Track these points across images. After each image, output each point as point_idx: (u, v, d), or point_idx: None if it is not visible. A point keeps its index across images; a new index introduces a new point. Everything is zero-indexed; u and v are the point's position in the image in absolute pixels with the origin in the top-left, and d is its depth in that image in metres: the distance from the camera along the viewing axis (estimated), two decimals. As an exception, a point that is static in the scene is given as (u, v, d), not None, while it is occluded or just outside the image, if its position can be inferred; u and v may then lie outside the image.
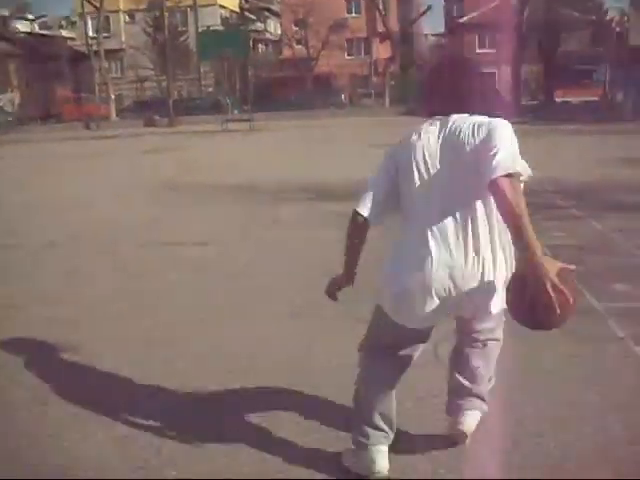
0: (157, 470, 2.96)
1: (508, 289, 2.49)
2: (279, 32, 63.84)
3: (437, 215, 2.55)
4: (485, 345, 2.95)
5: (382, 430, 2.79)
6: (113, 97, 44.67)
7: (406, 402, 3.42)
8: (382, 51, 54.42)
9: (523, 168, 2.50)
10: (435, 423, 3.20)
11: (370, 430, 2.78)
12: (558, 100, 44.46)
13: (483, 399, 3.00)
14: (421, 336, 2.76)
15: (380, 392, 2.81)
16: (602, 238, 7.04)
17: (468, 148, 2.51)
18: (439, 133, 2.64)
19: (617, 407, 3.38)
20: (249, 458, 3.01)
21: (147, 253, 7.11)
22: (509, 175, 2.37)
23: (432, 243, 2.53)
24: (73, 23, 69.08)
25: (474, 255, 2.52)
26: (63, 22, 79.66)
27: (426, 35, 71.57)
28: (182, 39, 53.97)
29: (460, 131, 2.56)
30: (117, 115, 44.69)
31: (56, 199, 11.44)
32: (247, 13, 67.82)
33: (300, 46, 52.92)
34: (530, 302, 2.35)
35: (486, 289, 2.55)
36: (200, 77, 52.77)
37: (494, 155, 2.40)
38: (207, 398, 3.64)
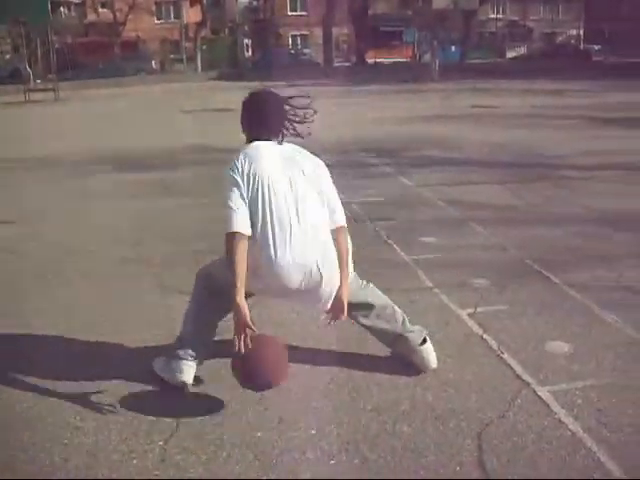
0: None
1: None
2: (82, -6, 60.75)
3: (286, 221, 2.99)
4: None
5: (196, 350, 3.21)
6: None
7: (223, 367, 3.39)
8: (193, 15, 53.18)
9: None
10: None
11: (187, 347, 3.21)
12: (370, 61, 45.68)
13: (412, 331, 3.38)
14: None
15: (203, 320, 3.27)
16: (410, 193, 7.30)
17: (310, 175, 3.13)
18: (276, 156, 3.15)
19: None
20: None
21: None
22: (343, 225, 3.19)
23: (279, 243, 2.96)
24: None
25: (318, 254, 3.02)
26: None
27: (237, -2, 70.80)
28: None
29: (301, 157, 3.21)
30: None
31: None
32: (45, -25, 63.94)
33: (105, 10, 50.62)
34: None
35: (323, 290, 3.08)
36: (-5, 43, 49.21)
37: (335, 198, 3.20)
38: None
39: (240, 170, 3.08)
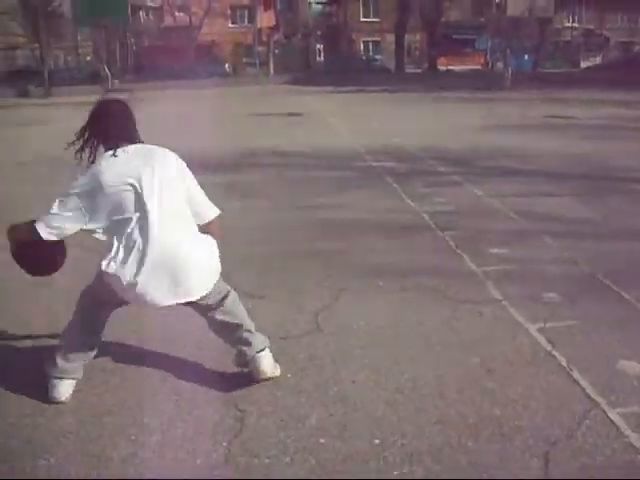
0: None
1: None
2: (160, -1, 62.05)
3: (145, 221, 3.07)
4: (216, 309, 3.32)
5: (70, 366, 3.26)
6: (-18, 66, 42.24)
7: (288, 372, 3.40)
8: (266, 19, 53.72)
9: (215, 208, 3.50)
10: (318, 387, 3.18)
11: (62, 363, 3.26)
12: (441, 68, 45.35)
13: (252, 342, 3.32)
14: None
15: (85, 336, 3.31)
16: (480, 203, 7.20)
17: (172, 171, 3.25)
18: (135, 157, 3.19)
19: (495, 369, 3.44)
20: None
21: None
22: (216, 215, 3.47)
23: (140, 240, 3.06)
24: None
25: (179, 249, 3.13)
26: None
27: (310, 3, 71.19)
28: (55, 4, 51.43)
29: (158, 156, 3.26)
30: (-14, 85, 42.23)
31: None
32: (126, -21, 65.54)
33: (182, 14, 51.60)
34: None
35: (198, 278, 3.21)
36: (77, 45, 50.66)
37: (199, 193, 3.40)
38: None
39: (90, 179, 3.14)
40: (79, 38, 49.60)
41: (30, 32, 43.79)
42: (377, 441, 2.84)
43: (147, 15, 66.36)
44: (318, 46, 54.50)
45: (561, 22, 55.89)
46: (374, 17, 56.40)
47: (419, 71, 45.48)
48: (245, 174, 9.40)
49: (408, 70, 44.27)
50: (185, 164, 3.38)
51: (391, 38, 46.23)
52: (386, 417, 3.02)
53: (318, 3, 73.84)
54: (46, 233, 3.11)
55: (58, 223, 3.11)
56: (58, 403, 3.24)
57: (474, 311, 4.20)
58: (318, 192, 7.97)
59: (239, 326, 3.32)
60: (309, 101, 23.74)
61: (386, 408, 3.09)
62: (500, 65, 35.55)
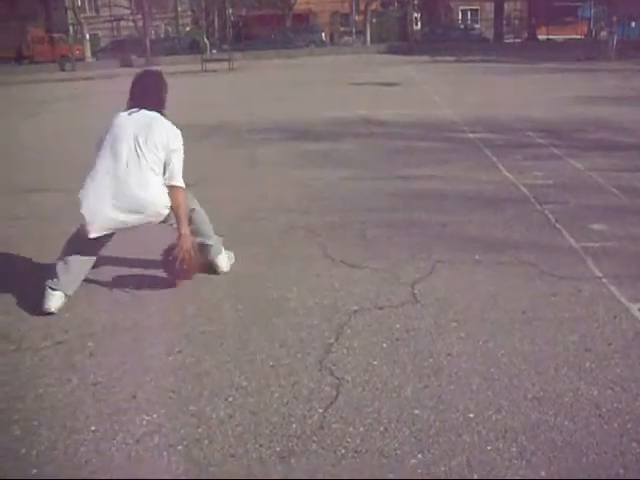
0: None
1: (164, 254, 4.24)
2: (258, -32, 62.22)
3: (124, 162, 4.04)
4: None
5: (60, 283, 4.04)
6: (87, 37, 43.46)
7: (384, 342, 3.44)
8: (363, -12, 53.33)
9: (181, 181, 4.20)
10: (414, 358, 3.20)
11: (55, 279, 4.04)
12: (542, 38, 43.88)
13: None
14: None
15: (76, 260, 4.12)
16: (581, 177, 6.98)
17: (159, 140, 4.13)
18: (138, 120, 4.17)
19: (593, 348, 3.37)
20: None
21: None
22: (180, 186, 4.17)
23: (115, 179, 4.02)
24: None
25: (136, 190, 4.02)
26: (34, -42, 77.20)
27: (408, -29, 70.00)
28: (158, -24, 52.51)
29: (153, 124, 4.17)
30: (92, 56, 43.53)
31: (39, 144, 11.19)
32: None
33: (279, -17, 51.69)
34: (173, 259, 4.13)
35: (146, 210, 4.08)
36: (177, 16, 51.57)
37: (175, 163, 4.19)
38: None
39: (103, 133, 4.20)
40: (179, 9, 50.49)
41: (133, 3, 44.85)
42: (471, 415, 2.84)
43: (245, -15, 66.85)
44: (415, 15, 53.41)
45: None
46: (473, -16, 54.98)
47: (519, 41, 44.10)
48: (342, 143, 9.44)
49: (507, 40, 43.02)
50: (179, 136, 4.30)
51: (490, 6, 44.95)
52: (481, 391, 3.01)
53: (416, -29, 72.65)
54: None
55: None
56: (48, 314, 3.97)
57: (573, 288, 4.10)
58: (415, 162, 7.92)
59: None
60: (406, 70, 23.46)
61: (481, 382, 3.08)
62: (604, 34, 34.06)
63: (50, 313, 3.98)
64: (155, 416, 2.93)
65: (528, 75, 20.30)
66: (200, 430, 2.82)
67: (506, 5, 43.44)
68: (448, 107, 12.85)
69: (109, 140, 4.10)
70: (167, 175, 4.14)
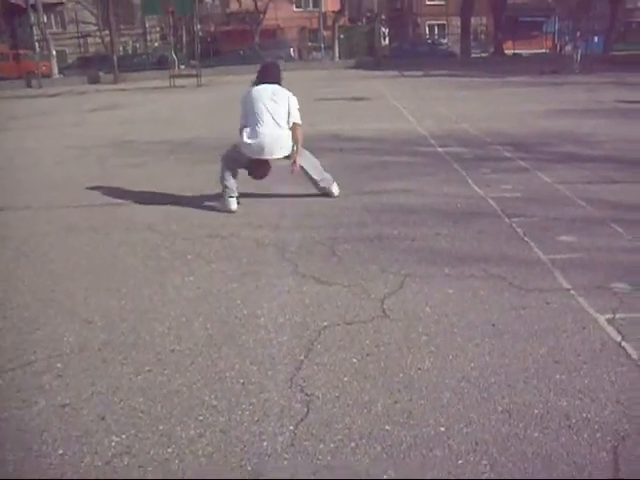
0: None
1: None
2: (226, -16, 62.40)
3: (264, 117, 6.36)
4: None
5: (231, 190, 6.59)
6: (54, 53, 43.03)
7: (354, 358, 3.44)
8: (331, 3, 53.58)
9: (299, 120, 6.50)
10: (384, 373, 3.20)
11: (224, 192, 6.60)
12: (508, 52, 44.49)
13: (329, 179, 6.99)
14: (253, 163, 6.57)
15: (229, 174, 6.61)
16: (548, 190, 7.07)
17: (283, 103, 6.44)
18: (269, 90, 6.50)
19: (562, 360, 3.40)
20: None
21: (87, 214, 6.91)
22: (299, 123, 6.51)
23: (264, 131, 6.34)
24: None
25: (275, 133, 6.37)
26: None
27: (375, -13, 70.64)
28: (125, -8, 52.38)
29: (277, 93, 6.48)
30: (59, 72, 43.14)
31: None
32: (192, -35, 66.07)
33: (247, -1, 51.87)
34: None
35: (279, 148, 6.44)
36: (145, 32, 51.46)
37: (295, 112, 6.47)
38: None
39: (243, 98, 6.60)
40: (147, 25, 50.39)
41: (101, 20, 44.66)
42: (442, 429, 2.85)
43: (213, 1, 66.92)
44: (383, 30, 54.00)
45: (634, 2, 54.16)
46: (439, 0, 55.63)
47: (485, 55, 44.68)
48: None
49: (474, 54, 43.53)
50: (294, 98, 6.55)
51: (457, 22, 45.50)
52: (452, 405, 3.02)
53: (383, -14, 73.29)
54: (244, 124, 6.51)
55: (243, 122, 6.53)
56: (232, 212, 6.48)
57: (542, 300, 4.14)
58: (384, 177, 7.96)
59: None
60: (375, 85, 23.62)
61: (452, 396, 3.10)
62: (569, 48, 34.66)
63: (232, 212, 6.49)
64: (124, 437, 2.89)
65: (495, 89, 20.55)
66: (170, 450, 2.79)
67: (473, 20, 44.01)
68: (417, 121, 12.95)
69: (252, 104, 6.38)
70: (291, 118, 6.41)
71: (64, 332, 3.96)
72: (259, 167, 6.57)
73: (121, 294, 4.53)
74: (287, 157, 6.53)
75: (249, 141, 6.36)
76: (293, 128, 6.43)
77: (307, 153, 6.73)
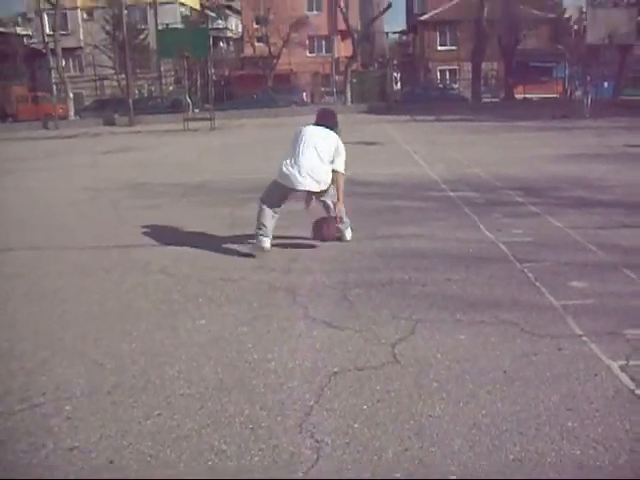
0: None
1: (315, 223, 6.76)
2: (240, 30, 63.45)
3: (308, 153, 6.47)
4: (326, 203, 6.79)
5: (264, 232, 6.54)
6: (71, 96, 43.73)
7: (364, 404, 3.42)
8: (343, 49, 54.36)
9: (344, 170, 6.69)
10: (395, 420, 3.18)
11: (259, 230, 6.56)
12: (518, 97, 44.80)
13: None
14: (288, 196, 6.69)
15: (265, 213, 6.58)
16: (559, 234, 7.07)
17: (330, 145, 6.61)
18: (320, 131, 6.72)
19: (575, 407, 3.37)
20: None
21: (100, 256, 6.95)
22: (342, 172, 6.69)
23: (299, 158, 6.45)
24: (29, 20, 67.80)
25: (313, 165, 6.47)
26: (19, 19, 78.29)
27: (387, 33, 71.69)
28: (142, 37, 53.28)
29: (328, 135, 6.69)
30: (76, 114, 43.82)
31: (8, 203, 11.20)
32: (207, 11, 67.30)
33: (261, 44, 52.61)
34: (323, 223, 6.71)
35: (316, 180, 6.47)
36: (160, 76, 52.18)
37: (340, 159, 6.66)
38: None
39: (295, 134, 6.76)
40: (162, 68, 51.13)
41: (117, 63, 45.42)
42: (453, 477, 2.82)
43: (227, 45, 68.04)
44: (395, 75, 54.57)
45: (643, 48, 54.60)
46: (451, 45, 56.25)
47: (496, 100, 44.96)
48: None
49: (485, 99, 43.83)
50: (341, 143, 6.72)
51: (468, 67, 45.89)
52: (463, 452, 3.00)
53: (395, 32, 74.36)
54: None
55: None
56: (264, 250, 6.51)
57: (554, 346, 4.12)
58: (396, 222, 7.98)
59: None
60: (386, 129, 23.81)
61: (463, 443, 3.07)
62: (579, 93, 34.90)
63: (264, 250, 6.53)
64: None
65: (506, 133, 20.67)
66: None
67: (483, 65, 44.36)
68: (428, 166, 13.03)
69: (301, 139, 6.56)
70: (335, 166, 6.57)
71: (74, 374, 3.97)
72: (321, 226, 6.67)
73: (132, 337, 4.54)
74: (319, 193, 6.65)
75: (286, 170, 6.45)
76: (336, 176, 6.59)
77: (332, 191, 6.73)
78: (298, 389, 3.65)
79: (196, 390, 3.70)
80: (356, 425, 3.25)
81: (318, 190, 6.54)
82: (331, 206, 6.74)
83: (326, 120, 6.91)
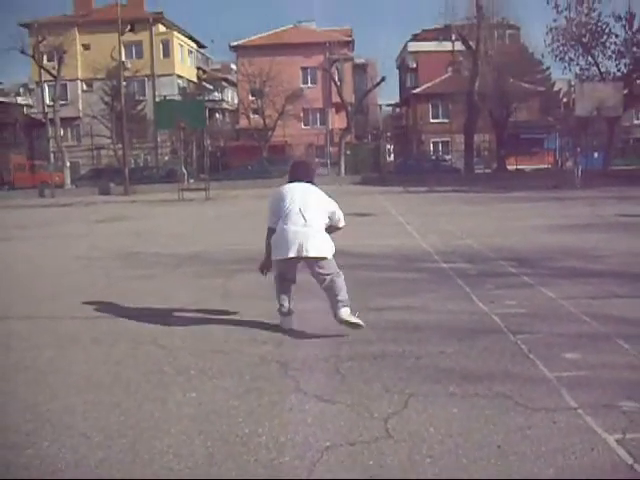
0: None
1: None
2: (236, 102, 64.59)
3: (297, 212, 5.99)
4: (325, 279, 6.03)
5: (284, 308, 6.40)
6: (68, 164, 44.18)
7: (358, 478, 3.35)
8: (338, 121, 55.28)
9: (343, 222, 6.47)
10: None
11: (280, 307, 6.43)
12: (511, 168, 45.42)
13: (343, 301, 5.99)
14: (291, 268, 6.29)
15: (281, 293, 6.40)
16: (552, 305, 7.06)
17: (317, 199, 6.21)
18: (301, 186, 6.30)
19: (570, 483, 3.31)
20: None
21: (90, 326, 6.90)
22: (342, 227, 6.49)
23: (293, 222, 5.97)
24: (31, 90, 69.02)
25: (310, 227, 5.98)
26: (20, 89, 79.69)
27: (380, 106, 72.99)
28: (139, 108, 54.19)
29: (313, 189, 6.30)
30: (72, 183, 44.18)
31: (2, 271, 11.18)
32: (204, 83, 68.64)
33: (257, 116, 53.48)
34: None
35: (316, 243, 5.96)
36: (157, 146, 52.88)
37: (337, 213, 6.31)
38: None
39: (275, 197, 6.30)
40: (159, 139, 51.86)
41: (114, 133, 46.06)
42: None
43: (223, 117, 69.15)
44: (388, 147, 55.46)
45: (630, 120, 55.68)
46: (443, 118, 57.33)
47: (488, 171, 45.55)
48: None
49: (477, 170, 44.42)
50: (327, 196, 6.29)
51: (460, 138, 46.64)
52: (457, 532, 2.92)
53: (388, 105, 75.76)
54: (272, 224, 6.18)
55: (272, 221, 6.20)
56: (291, 330, 6.26)
57: (549, 420, 4.07)
58: (388, 293, 7.97)
59: (335, 295, 5.97)
60: (379, 201, 24.03)
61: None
62: (570, 164, 35.46)
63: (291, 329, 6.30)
64: None
65: (499, 204, 20.87)
66: None
67: (475, 137, 45.10)
68: (421, 237, 13.10)
69: (279, 201, 6.12)
70: (335, 221, 6.30)
71: (60, 448, 3.88)
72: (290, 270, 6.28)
73: (121, 409, 4.47)
74: (317, 259, 5.97)
75: (275, 241, 6.07)
76: (335, 229, 6.37)
77: (332, 262, 6.15)
78: (289, 464, 3.58)
79: (185, 465, 3.63)
80: (348, 502, 3.18)
81: (312, 256, 5.93)
82: (334, 284, 5.98)
83: (302, 174, 6.45)
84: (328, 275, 5.98)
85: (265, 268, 6.49)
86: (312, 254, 5.90)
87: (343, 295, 5.95)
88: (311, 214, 5.98)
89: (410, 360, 5.35)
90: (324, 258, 5.99)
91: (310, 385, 4.82)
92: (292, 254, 5.91)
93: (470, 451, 3.67)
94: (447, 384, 4.73)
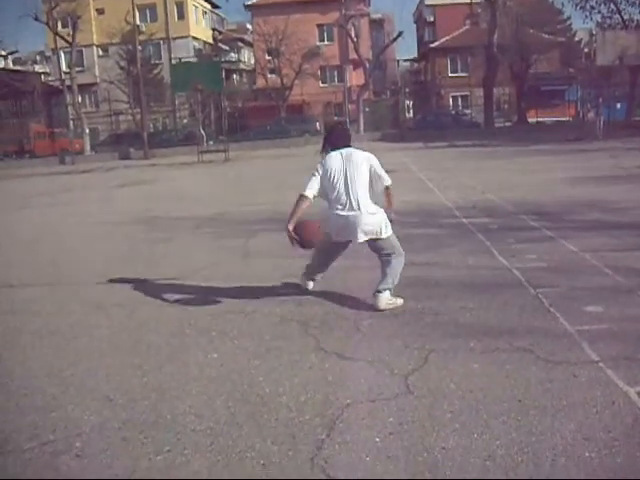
0: None
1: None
2: (252, 62, 64.08)
3: (344, 193, 5.60)
4: (382, 256, 5.77)
5: (313, 275, 6.25)
6: (87, 131, 44.28)
7: (377, 437, 3.36)
8: (356, 78, 54.65)
9: (389, 181, 5.88)
10: (408, 453, 3.12)
11: (309, 273, 6.24)
12: (531, 121, 44.81)
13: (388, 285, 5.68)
14: (341, 249, 6.01)
15: (317, 262, 6.18)
16: (574, 259, 7.00)
17: (363, 165, 5.71)
18: (342, 156, 5.75)
19: (592, 437, 3.29)
20: None
21: (112, 291, 6.95)
22: (389, 185, 5.90)
23: (342, 206, 5.60)
24: (47, 58, 68.92)
25: (360, 211, 5.56)
26: (37, 57, 79.69)
27: (398, 61, 72.03)
28: (156, 72, 53.94)
29: (355, 156, 5.75)
30: (92, 149, 44.31)
31: (24, 238, 11.28)
32: (220, 44, 68.06)
33: (274, 75, 53.04)
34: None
35: (368, 228, 5.61)
36: (175, 109, 52.70)
37: (381, 173, 5.80)
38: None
39: (321, 165, 5.75)
40: (176, 102, 51.66)
41: (132, 98, 45.97)
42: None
43: (240, 77, 68.67)
44: (407, 102, 54.83)
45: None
46: (462, 72, 56.45)
47: (509, 124, 44.98)
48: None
49: (497, 124, 43.84)
50: (374, 158, 5.79)
51: (479, 92, 45.97)
52: (477, 486, 2.93)
53: (406, 60, 74.78)
54: (309, 193, 5.64)
55: (310, 192, 5.65)
56: (308, 291, 6.20)
57: (569, 373, 4.05)
58: (409, 249, 7.87)
59: (384, 275, 5.69)
60: (400, 157, 23.82)
61: (477, 476, 3.00)
62: (591, 115, 34.85)
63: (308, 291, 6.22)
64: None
65: (520, 158, 20.63)
66: None
67: (495, 90, 44.41)
68: (442, 193, 13.00)
69: (326, 179, 5.65)
70: (380, 182, 5.80)
71: (84, 410, 3.94)
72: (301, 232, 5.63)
73: (143, 372, 4.52)
74: (373, 240, 5.68)
75: (329, 222, 5.69)
76: (385, 192, 5.88)
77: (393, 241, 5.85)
78: (310, 423, 3.60)
79: (207, 425, 3.66)
80: (368, 458, 3.20)
81: (367, 239, 5.66)
82: (389, 264, 5.72)
83: (341, 139, 5.92)
84: (387, 255, 5.70)
85: (294, 239, 5.63)
86: (369, 237, 5.63)
87: (390, 278, 5.65)
88: (360, 193, 5.55)
89: (430, 316, 5.35)
90: (381, 239, 5.69)
91: (330, 343, 4.83)
92: (346, 237, 5.72)
93: (490, 406, 3.67)
94: (467, 339, 4.72)
